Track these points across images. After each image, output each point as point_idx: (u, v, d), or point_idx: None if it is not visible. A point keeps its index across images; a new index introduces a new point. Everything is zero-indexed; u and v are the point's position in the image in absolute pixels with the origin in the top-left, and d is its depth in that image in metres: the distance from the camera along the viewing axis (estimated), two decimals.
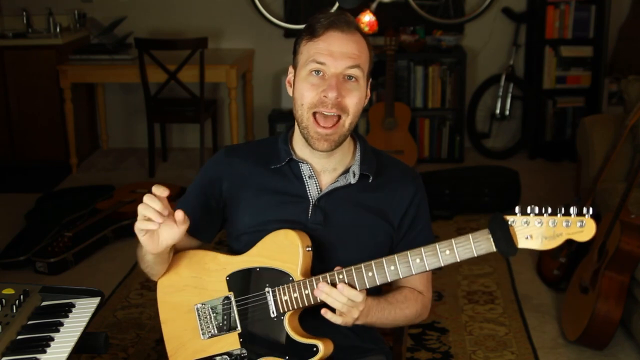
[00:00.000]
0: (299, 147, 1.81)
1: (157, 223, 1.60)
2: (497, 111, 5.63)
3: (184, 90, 5.08)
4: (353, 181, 1.79)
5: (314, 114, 1.71)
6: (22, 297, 1.81)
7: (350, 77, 1.71)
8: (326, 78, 1.70)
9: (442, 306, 3.46)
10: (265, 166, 1.82)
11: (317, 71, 1.71)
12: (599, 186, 3.53)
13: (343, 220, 1.78)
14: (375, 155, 1.86)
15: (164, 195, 1.61)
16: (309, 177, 1.80)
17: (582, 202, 3.56)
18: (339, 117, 1.71)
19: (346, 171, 1.80)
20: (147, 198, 1.62)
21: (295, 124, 1.81)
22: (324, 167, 1.80)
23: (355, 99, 1.72)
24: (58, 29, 5.48)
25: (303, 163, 1.80)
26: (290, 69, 1.81)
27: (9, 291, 1.83)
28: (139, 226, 1.63)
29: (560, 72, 5.42)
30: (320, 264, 1.75)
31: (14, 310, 1.76)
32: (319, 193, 1.79)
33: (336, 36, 1.71)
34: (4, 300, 1.78)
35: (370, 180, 1.81)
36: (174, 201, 1.71)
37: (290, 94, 1.80)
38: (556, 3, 5.32)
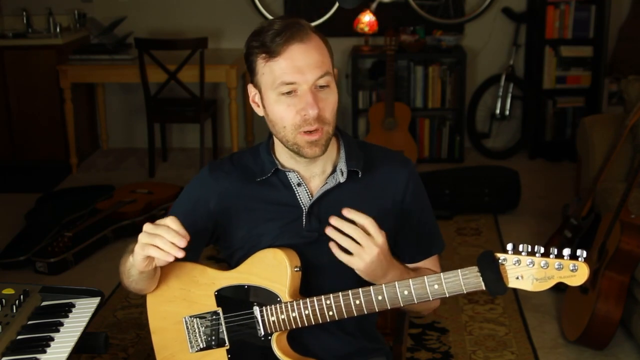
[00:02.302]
0: (283, 157, 1.76)
1: (171, 256, 1.55)
2: (497, 111, 5.63)
3: (184, 90, 5.08)
4: (342, 180, 1.74)
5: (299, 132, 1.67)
6: (22, 297, 1.81)
7: (322, 86, 1.66)
8: (299, 94, 1.64)
9: (442, 306, 3.46)
10: (252, 179, 1.77)
11: (289, 91, 1.64)
12: (599, 186, 3.53)
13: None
14: (362, 149, 1.80)
15: (186, 238, 1.56)
16: (297, 185, 1.75)
17: (582, 202, 3.56)
18: (321, 128, 1.66)
19: (333, 171, 1.76)
20: (166, 233, 1.55)
21: (275, 137, 1.75)
22: (312, 172, 1.76)
23: (331, 106, 1.67)
24: (58, 29, 5.48)
25: (290, 172, 1.75)
26: (252, 88, 1.73)
27: (9, 291, 1.83)
28: (149, 252, 1.57)
29: (560, 72, 5.42)
30: (321, 271, 1.73)
31: (14, 310, 1.76)
32: (310, 200, 1.75)
33: (297, 49, 1.62)
34: (4, 300, 1.77)
35: (359, 176, 1.76)
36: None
37: (260, 114, 1.74)
38: (556, 3, 5.32)
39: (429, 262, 1.85)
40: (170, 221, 1.57)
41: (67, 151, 5.41)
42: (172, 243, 1.54)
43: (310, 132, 1.65)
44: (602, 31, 5.29)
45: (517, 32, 5.58)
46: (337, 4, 5.35)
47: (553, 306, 3.46)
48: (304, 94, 1.64)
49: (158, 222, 1.59)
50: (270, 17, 5.60)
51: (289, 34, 1.62)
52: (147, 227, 1.58)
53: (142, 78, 5.05)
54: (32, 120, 5.43)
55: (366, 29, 5.35)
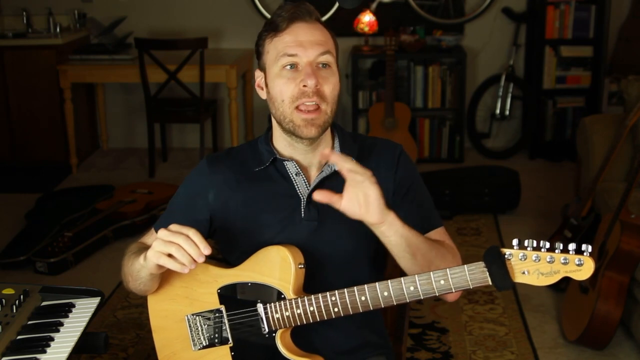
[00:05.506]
0: (282, 146, 1.78)
1: (186, 268, 1.57)
2: (497, 111, 5.63)
3: (184, 90, 5.08)
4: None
5: (297, 107, 1.70)
6: (22, 297, 1.80)
7: (323, 64, 1.70)
8: (300, 69, 1.69)
9: (442, 306, 3.46)
10: (250, 171, 1.79)
11: (291, 65, 1.69)
12: (599, 186, 3.53)
13: (337, 211, 1.71)
14: (354, 140, 1.84)
15: (206, 253, 1.56)
16: (296, 175, 1.78)
17: (582, 202, 3.56)
18: (319, 106, 1.69)
19: None
20: (185, 242, 1.55)
21: (274, 124, 1.78)
22: (310, 161, 1.78)
23: (331, 86, 1.71)
24: (58, 29, 5.48)
25: (288, 161, 1.78)
26: (258, 72, 1.78)
27: (9, 291, 1.83)
28: (163, 262, 1.58)
29: (560, 72, 5.42)
30: (323, 262, 1.74)
31: (14, 310, 1.76)
32: (308, 189, 1.77)
33: (301, 26, 1.70)
34: (4, 300, 1.77)
35: None
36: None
37: (263, 97, 1.78)
38: (556, 3, 5.33)
39: (434, 235, 1.81)
40: (193, 233, 1.57)
41: (67, 151, 5.41)
42: (189, 254, 1.55)
43: (308, 111, 1.69)
44: (602, 31, 5.29)
45: (517, 32, 5.58)
46: (337, 4, 5.35)
47: (553, 306, 3.46)
48: (305, 67, 1.69)
49: (174, 228, 1.58)
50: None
51: (293, 12, 1.71)
52: (162, 233, 1.58)
53: (142, 78, 5.05)
54: (32, 120, 5.43)
55: (366, 29, 5.35)
